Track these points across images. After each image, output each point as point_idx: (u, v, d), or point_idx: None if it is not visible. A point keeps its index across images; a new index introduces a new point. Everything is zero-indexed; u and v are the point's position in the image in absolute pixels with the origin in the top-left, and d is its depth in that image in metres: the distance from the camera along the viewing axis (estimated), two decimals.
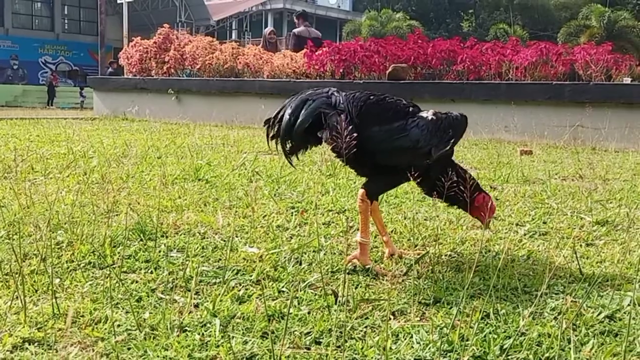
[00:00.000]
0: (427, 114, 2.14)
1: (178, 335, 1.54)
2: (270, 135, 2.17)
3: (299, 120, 2.08)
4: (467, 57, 8.66)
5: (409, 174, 2.08)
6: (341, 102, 2.11)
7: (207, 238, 2.48)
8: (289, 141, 2.13)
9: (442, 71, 8.91)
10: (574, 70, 8.21)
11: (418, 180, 2.15)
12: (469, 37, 9.94)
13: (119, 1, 20.82)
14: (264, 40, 12.09)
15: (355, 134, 2.00)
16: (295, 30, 11.51)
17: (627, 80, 8.13)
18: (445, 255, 2.34)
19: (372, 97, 2.15)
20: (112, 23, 30.72)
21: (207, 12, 37.03)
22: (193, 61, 10.83)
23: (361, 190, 2.19)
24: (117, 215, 2.79)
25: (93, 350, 1.47)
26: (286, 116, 2.11)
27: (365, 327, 1.63)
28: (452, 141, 2.11)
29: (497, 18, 41.16)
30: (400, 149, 2.09)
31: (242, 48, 11.23)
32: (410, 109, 2.17)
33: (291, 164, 2.21)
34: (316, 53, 9.70)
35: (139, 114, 9.76)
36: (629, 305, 1.82)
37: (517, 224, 2.89)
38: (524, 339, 1.55)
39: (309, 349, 1.49)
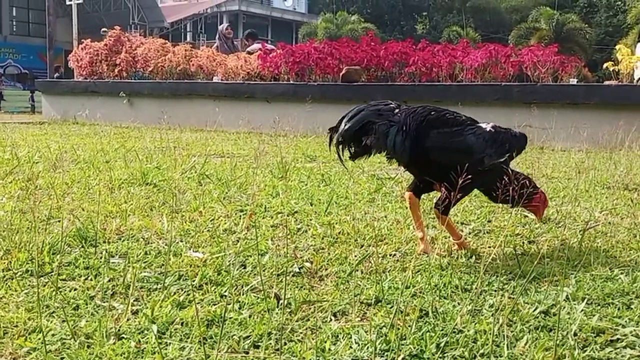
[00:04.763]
0: (486, 125, 2.31)
1: (114, 343, 1.51)
2: (333, 142, 2.32)
3: (346, 127, 2.23)
4: (419, 59, 8.74)
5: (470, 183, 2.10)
6: (397, 114, 2.25)
7: (151, 243, 2.44)
8: (343, 146, 2.29)
9: (394, 73, 8.98)
10: (522, 72, 8.38)
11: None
12: (423, 39, 10.04)
13: (67, 2, 20.32)
14: (220, 37, 11.95)
15: (410, 143, 2.18)
16: (249, 49, 11.32)
17: (573, 81, 8.34)
18: (390, 255, 2.36)
19: (433, 113, 2.28)
20: (62, 25, 29.99)
21: (160, 14, 36.45)
22: (145, 64, 10.65)
23: (435, 209, 2.36)
24: (58, 221, 2.72)
25: None
26: (342, 124, 2.27)
27: (306, 329, 1.63)
28: (507, 155, 2.28)
29: (451, 20, 41.82)
30: (455, 150, 2.24)
31: (196, 50, 11.09)
32: (470, 120, 2.34)
33: (344, 166, 2.41)
34: (270, 55, 9.67)
35: (89, 117, 9.53)
36: (565, 300, 1.87)
37: (462, 223, 2.94)
38: (461, 336, 1.57)
39: (247, 352, 1.48)
